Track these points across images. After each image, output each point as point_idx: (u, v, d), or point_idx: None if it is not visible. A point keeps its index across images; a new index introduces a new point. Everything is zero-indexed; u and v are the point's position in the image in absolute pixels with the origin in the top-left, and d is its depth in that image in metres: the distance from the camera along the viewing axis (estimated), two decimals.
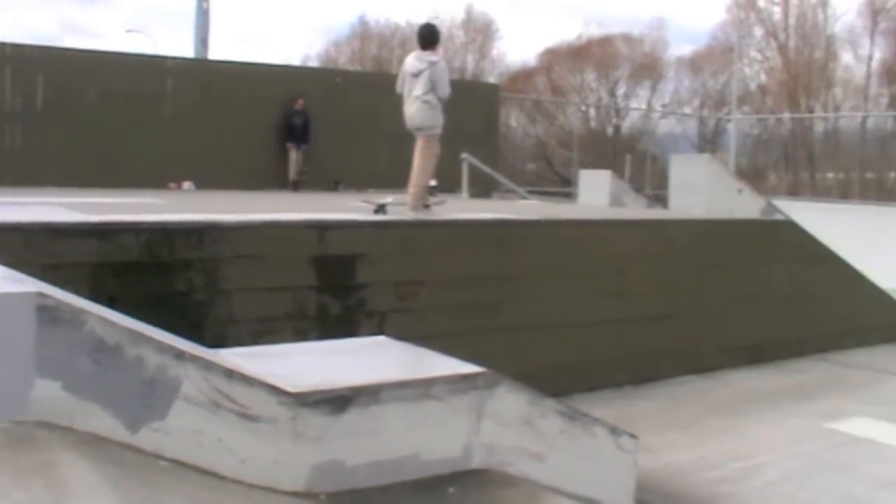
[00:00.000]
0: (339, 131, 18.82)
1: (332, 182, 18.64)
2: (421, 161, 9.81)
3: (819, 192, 40.90)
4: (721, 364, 10.15)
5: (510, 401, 4.97)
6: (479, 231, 8.90)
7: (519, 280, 8.72)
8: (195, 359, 4.10)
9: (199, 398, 4.08)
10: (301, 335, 6.97)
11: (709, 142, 48.58)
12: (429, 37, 10.12)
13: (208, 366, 4.11)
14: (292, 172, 18.87)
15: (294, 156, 18.94)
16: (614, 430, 5.55)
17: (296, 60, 57.22)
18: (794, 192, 39.57)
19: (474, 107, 20.24)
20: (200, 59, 21.36)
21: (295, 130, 18.96)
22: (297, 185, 18.62)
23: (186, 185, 17.17)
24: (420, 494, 4.52)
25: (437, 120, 9.77)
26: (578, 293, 9.13)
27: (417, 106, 9.70)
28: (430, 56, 9.80)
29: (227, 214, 7.81)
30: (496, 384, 4.90)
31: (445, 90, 9.71)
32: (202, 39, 22.09)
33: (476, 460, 4.82)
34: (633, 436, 5.65)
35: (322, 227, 7.61)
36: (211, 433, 4.08)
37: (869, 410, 8.81)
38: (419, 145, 9.85)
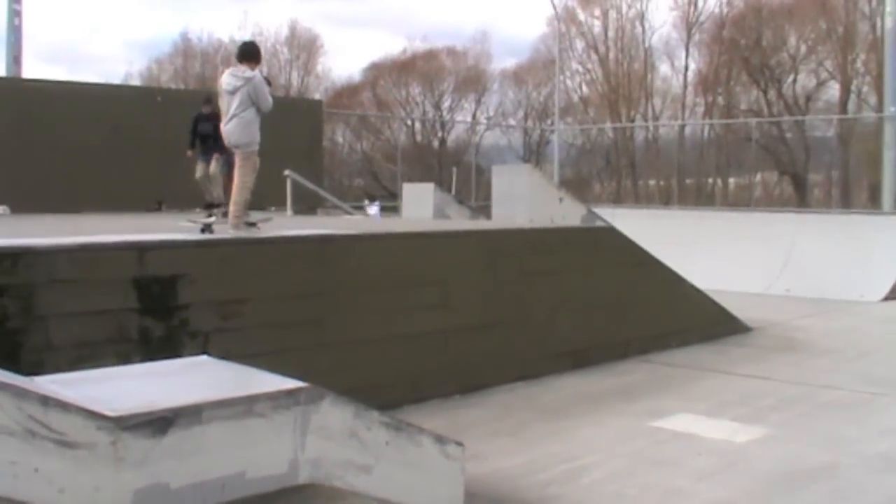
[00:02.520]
0: (160, 151, 18.45)
1: (154, 202, 18.31)
2: (240, 178, 9.73)
3: (641, 199, 42.04)
4: (547, 370, 10.31)
5: (335, 415, 4.98)
6: (302, 247, 8.86)
7: (344, 295, 8.71)
8: (7, 387, 3.99)
9: (12, 428, 3.97)
10: (123, 359, 6.82)
11: (534, 153, 49.46)
12: (244, 52, 10.03)
13: (21, 394, 4.01)
14: (211, 193, 15.53)
15: (206, 169, 15.58)
16: (440, 439, 5.60)
17: (116, 79, 56.03)
18: (618, 199, 40.54)
19: (298, 123, 20.19)
20: (14, 77, 20.75)
21: (205, 140, 15.62)
22: (210, 207, 15.03)
23: (1, 209, 16.62)
24: None
25: (254, 136, 9.69)
26: (403, 306, 9.16)
27: (234, 123, 9.62)
28: (245, 72, 9.72)
29: (42, 238, 7.61)
30: (320, 399, 4.90)
31: (267, 103, 9.65)
32: (14, 57, 21.45)
33: (303, 475, 4.82)
34: (459, 444, 5.72)
35: (141, 249, 7.47)
36: (27, 463, 3.98)
37: (690, 407, 9.09)
38: (237, 163, 9.77)
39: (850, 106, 47.08)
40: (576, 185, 37.76)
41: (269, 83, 10.09)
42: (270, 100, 9.69)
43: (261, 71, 10.12)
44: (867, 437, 8.30)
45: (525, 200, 12.03)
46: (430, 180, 17.29)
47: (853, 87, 47.88)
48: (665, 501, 6.57)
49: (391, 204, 22.99)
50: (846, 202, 42.39)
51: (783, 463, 7.48)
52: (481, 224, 12.75)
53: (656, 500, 6.58)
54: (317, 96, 45.38)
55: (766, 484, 6.97)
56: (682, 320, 12.41)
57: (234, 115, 9.63)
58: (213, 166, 15.38)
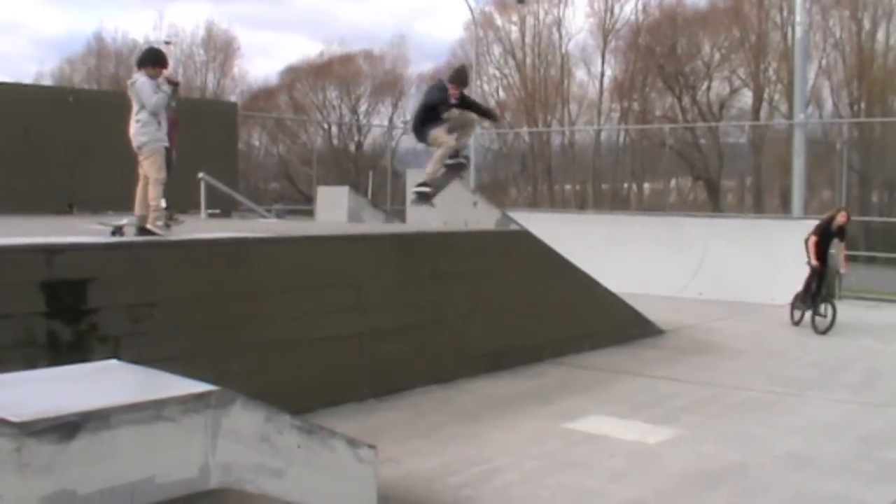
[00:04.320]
0: (71, 152, 18.14)
1: (65, 205, 18.01)
2: (150, 177, 9.65)
3: (557, 203, 42.33)
4: (462, 373, 10.33)
5: (246, 418, 4.94)
6: (215, 250, 8.79)
7: (257, 298, 8.66)
8: None
9: None
10: (31, 363, 6.68)
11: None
12: (138, 60, 10.10)
13: None
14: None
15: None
16: (353, 443, 5.59)
17: (27, 78, 55.10)
18: (534, 204, 40.81)
19: (212, 125, 19.98)
20: None
21: None
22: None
23: None
24: None
25: (153, 135, 9.61)
26: (316, 309, 9.12)
27: (133, 125, 9.61)
28: (134, 77, 9.77)
29: None
30: (230, 402, 4.86)
31: (150, 103, 9.56)
32: None
33: (214, 480, 4.77)
34: (372, 447, 5.71)
35: (50, 251, 7.35)
36: None
37: (603, 409, 9.18)
38: (143, 165, 9.69)
39: (763, 113, 47.94)
40: (492, 190, 37.94)
41: (174, 84, 9.98)
42: (155, 98, 9.57)
43: (172, 75, 10.06)
44: (776, 436, 8.46)
45: (440, 204, 12.05)
46: (346, 184, 17.25)
47: (765, 95, 48.80)
48: (577, 502, 6.62)
49: (305, 207, 22.90)
50: (758, 207, 43.11)
51: (694, 463, 7.59)
52: (395, 227, 12.74)
53: (568, 501, 6.62)
54: (233, 99, 45.05)
55: (677, 484, 7.07)
56: (596, 323, 12.51)
57: (133, 120, 9.62)
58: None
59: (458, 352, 10.52)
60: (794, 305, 15.38)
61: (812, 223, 19.66)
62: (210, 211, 17.13)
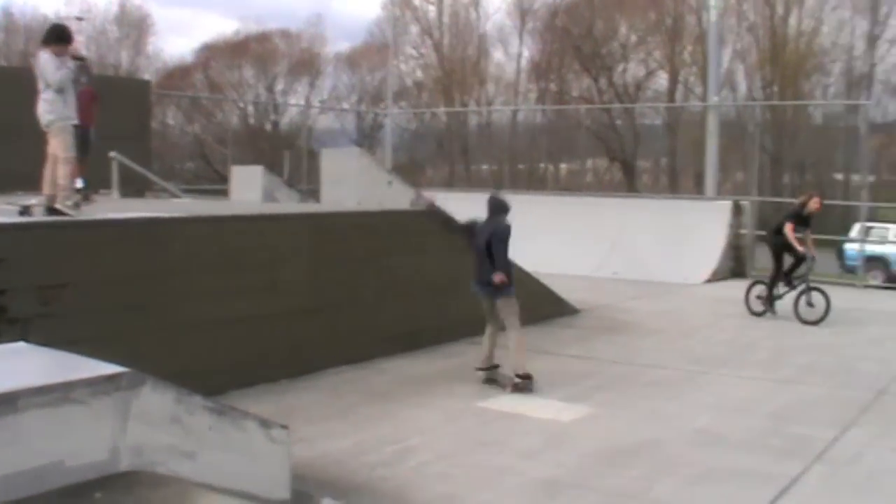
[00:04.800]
0: None
1: None
2: (59, 155, 9.51)
3: (474, 183, 42.31)
4: (377, 353, 10.33)
5: (156, 400, 4.90)
6: (127, 230, 8.65)
7: (170, 278, 8.55)
8: None
9: None
10: None
11: (367, 137, 49.33)
12: (44, 35, 9.93)
13: None
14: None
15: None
16: (265, 424, 5.57)
17: None
18: (450, 184, 40.80)
19: (124, 104, 19.62)
20: None
21: None
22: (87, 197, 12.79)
23: None
24: (66, 503, 4.39)
25: (60, 113, 9.47)
26: (230, 289, 9.04)
27: (39, 104, 9.47)
28: (41, 53, 9.62)
29: None
30: (140, 384, 4.81)
31: (53, 79, 9.41)
32: None
33: (124, 463, 4.72)
34: (284, 427, 5.70)
35: None
36: None
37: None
38: (52, 143, 9.55)
39: (678, 95, 48.39)
40: (409, 170, 37.82)
41: (78, 59, 9.84)
42: (58, 75, 9.41)
43: (75, 50, 9.91)
44: (687, 413, 8.61)
45: (354, 184, 12.02)
46: (262, 164, 17.05)
47: (680, 78, 49.24)
48: (491, 480, 6.67)
49: (219, 187, 22.68)
50: (673, 188, 43.54)
51: (607, 440, 7.70)
52: (309, 207, 12.67)
53: (482, 479, 6.67)
54: (147, 77, 44.34)
55: (590, 460, 7.16)
56: None
57: (40, 98, 9.49)
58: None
59: (374, 332, 10.51)
60: (757, 296, 14.79)
61: (725, 203, 20.07)
62: (122, 190, 16.89)
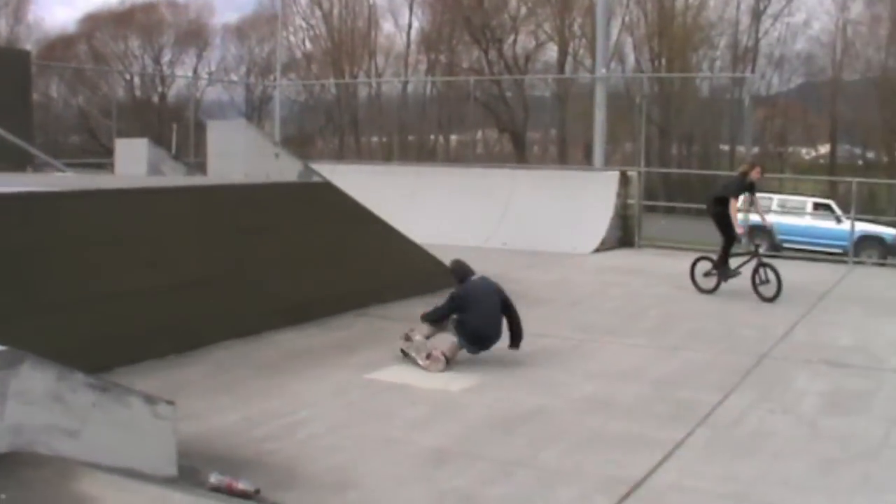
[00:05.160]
0: None
1: None
2: None
3: (364, 155, 42.28)
4: (265, 326, 10.20)
5: (36, 378, 4.79)
6: (4, 205, 8.40)
7: (50, 254, 8.32)
8: None
9: None
10: None
11: (256, 109, 48.92)
12: None
13: None
14: None
15: None
16: (150, 399, 5.49)
17: None
18: (340, 156, 40.65)
19: (3, 76, 19.11)
20: None
21: None
22: None
23: None
24: None
25: None
26: (113, 265, 8.83)
27: None
28: None
29: None
30: (18, 363, 4.71)
31: None
32: None
33: (3, 443, 4.63)
34: (170, 402, 5.62)
35: None
36: None
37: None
38: None
39: (568, 67, 48.78)
40: (299, 142, 37.63)
41: None
42: None
43: None
44: (574, 381, 8.70)
45: (241, 157, 11.86)
46: (150, 137, 16.71)
47: (570, 50, 49.64)
48: (380, 451, 6.66)
49: (104, 161, 22.24)
50: (563, 159, 44.02)
51: (495, 409, 7.74)
52: (195, 180, 12.48)
53: (372, 451, 6.66)
54: (27, 47, 43.22)
55: (478, 429, 7.19)
56: (399, 274, 12.52)
57: None
58: None
59: (262, 305, 10.38)
60: (705, 273, 14.21)
61: (612, 174, 20.26)
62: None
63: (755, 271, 13.59)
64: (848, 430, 7.41)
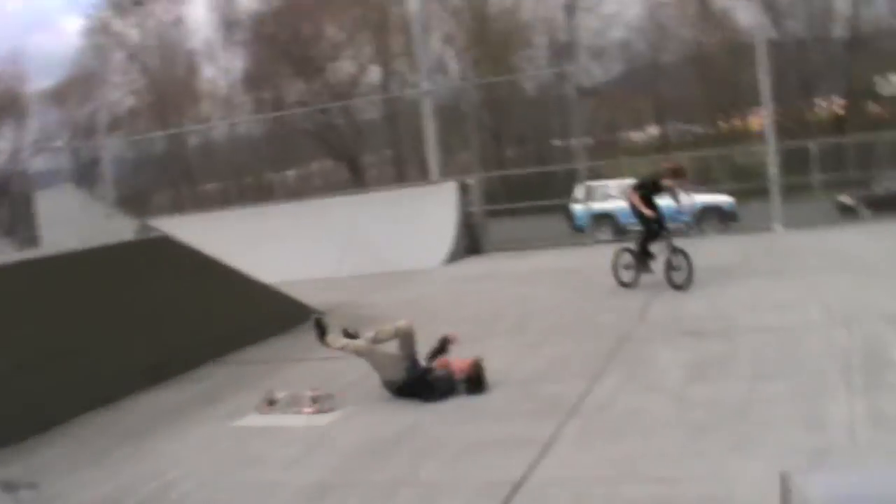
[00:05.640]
0: None
1: None
2: None
3: (202, 203, 41.74)
4: (124, 391, 9.92)
5: None
6: None
7: None
8: None
9: None
10: None
11: (87, 173, 47.88)
12: None
13: None
14: None
15: None
16: (9, 486, 5.34)
17: None
18: (178, 208, 40.05)
19: None
20: None
21: None
22: None
23: None
24: None
25: None
26: None
27: None
28: None
29: None
30: None
31: None
32: None
33: None
34: (31, 485, 5.47)
35: None
36: None
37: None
38: None
39: (393, 86, 48.95)
40: (135, 200, 36.89)
41: None
42: None
43: None
44: None
45: (74, 223, 11.59)
46: None
47: (393, 69, 49.83)
48: (258, 496, 6.60)
49: None
50: (401, 177, 44.12)
51: (368, 434, 7.76)
52: (27, 254, 12.13)
53: (250, 498, 6.59)
54: None
55: (355, 457, 7.21)
56: (253, 317, 12.38)
57: None
58: None
59: (118, 370, 10.10)
60: (625, 266, 13.95)
61: (450, 184, 20.44)
62: None
63: (668, 258, 13.30)
64: (714, 395, 7.62)
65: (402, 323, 9.01)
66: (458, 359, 8.84)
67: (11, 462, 7.86)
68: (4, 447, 8.37)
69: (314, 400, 8.66)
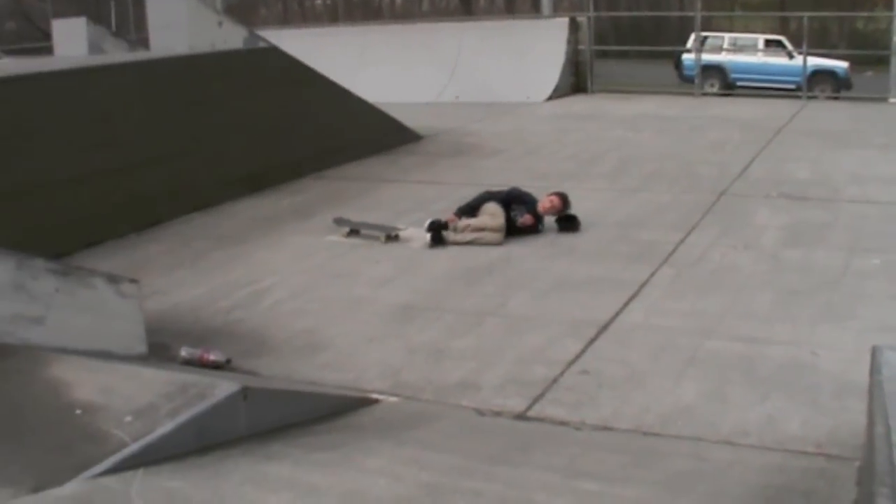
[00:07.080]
0: None
1: None
2: None
3: (309, 18, 41.56)
4: (223, 197, 10.08)
5: None
6: None
7: None
8: None
9: None
10: None
11: None
12: None
13: None
14: None
15: None
16: (113, 279, 5.46)
17: None
18: (285, 21, 39.97)
19: None
20: None
21: None
22: None
23: None
24: None
25: None
26: (63, 148, 8.68)
27: None
28: None
29: None
30: None
31: None
32: None
33: None
34: (134, 281, 5.59)
35: None
36: None
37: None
38: None
39: None
40: (241, 10, 36.81)
41: None
42: None
43: None
44: None
45: (183, 27, 11.56)
46: (87, 15, 16.26)
47: None
48: (347, 312, 6.69)
49: (44, 45, 21.73)
50: (510, 9, 43.40)
51: (459, 261, 7.78)
52: (138, 55, 12.22)
53: (338, 312, 6.70)
54: None
55: (444, 283, 7.25)
56: (353, 134, 12.43)
57: None
58: None
59: (218, 176, 10.25)
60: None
61: (561, 20, 20.05)
62: None
63: None
64: (809, 261, 7.50)
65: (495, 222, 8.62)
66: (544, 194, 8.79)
67: (112, 257, 8.05)
68: (105, 242, 8.61)
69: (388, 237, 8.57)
